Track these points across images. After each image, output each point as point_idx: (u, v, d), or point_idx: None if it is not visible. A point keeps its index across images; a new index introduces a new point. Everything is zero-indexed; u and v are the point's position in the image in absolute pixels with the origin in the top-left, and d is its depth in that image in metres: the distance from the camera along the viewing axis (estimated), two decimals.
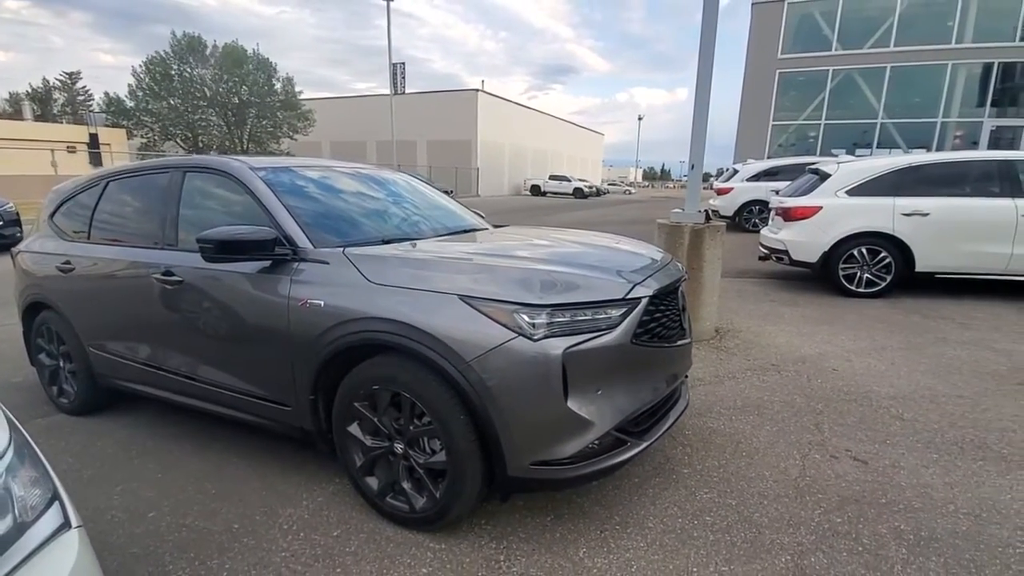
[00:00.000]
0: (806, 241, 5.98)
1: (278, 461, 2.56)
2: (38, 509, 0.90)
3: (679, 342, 2.27)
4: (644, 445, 1.99)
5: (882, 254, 5.70)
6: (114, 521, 2.14)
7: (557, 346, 1.73)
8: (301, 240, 2.24)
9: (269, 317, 2.19)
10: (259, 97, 32.74)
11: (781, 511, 2.14)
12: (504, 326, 1.75)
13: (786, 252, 6.17)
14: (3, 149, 18.38)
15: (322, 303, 2.05)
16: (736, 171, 12.23)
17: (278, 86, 33.48)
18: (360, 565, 1.86)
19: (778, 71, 23.11)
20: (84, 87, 46.43)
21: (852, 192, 5.85)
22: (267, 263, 2.23)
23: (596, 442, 1.84)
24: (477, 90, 36.43)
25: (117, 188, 3.07)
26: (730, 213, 11.74)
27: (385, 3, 25.93)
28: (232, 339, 2.38)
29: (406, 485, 2.02)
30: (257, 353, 2.28)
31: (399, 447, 2.01)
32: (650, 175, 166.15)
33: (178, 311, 2.56)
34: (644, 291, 1.98)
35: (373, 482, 2.10)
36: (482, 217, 3.69)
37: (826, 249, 5.83)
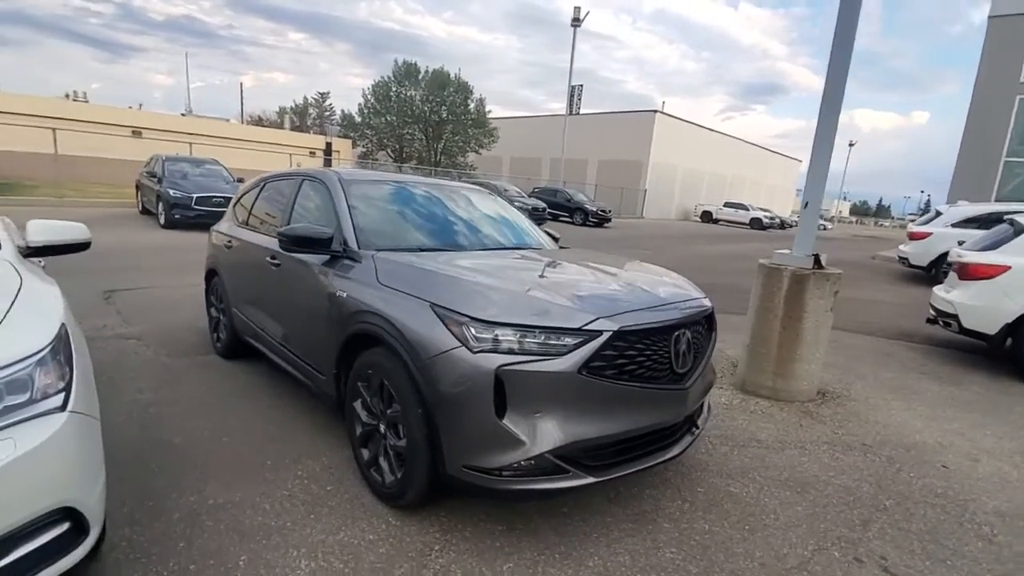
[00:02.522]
0: (983, 307, 4.77)
1: (329, 424, 3.06)
2: (47, 393, 1.39)
3: (671, 385, 2.17)
4: (590, 480, 1.97)
5: None
6: (199, 435, 2.84)
7: (493, 361, 1.85)
8: (351, 241, 2.71)
9: (320, 300, 2.69)
10: (455, 116, 36.85)
11: None
12: (454, 335, 1.93)
13: (955, 317, 5.00)
14: (264, 151, 23.96)
15: (345, 294, 2.47)
16: (939, 213, 10.05)
17: (472, 106, 37.25)
18: (329, 517, 2.21)
19: (1019, 97, 18.17)
20: (330, 104, 57.66)
21: None
22: (327, 256, 2.75)
23: (529, 462, 1.90)
24: (655, 111, 35.74)
25: (269, 188, 3.97)
26: (923, 263, 9.71)
27: (572, 28, 27.09)
28: (302, 315, 2.95)
29: (383, 462, 2.31)
30: (312, 328, 2.81)
31: (382, 427, 2.31)
32: (860, 210, 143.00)
33: (276, 288, 3.25)
34: (608, 325, 1.97)
35: (364, 453, 2.43)
36: (554, 238, 3.84)
37: (1010, 321, 4.58)
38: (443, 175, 26.90)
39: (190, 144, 16.80)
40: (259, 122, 51.05)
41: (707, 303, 2.56)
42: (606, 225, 23.40)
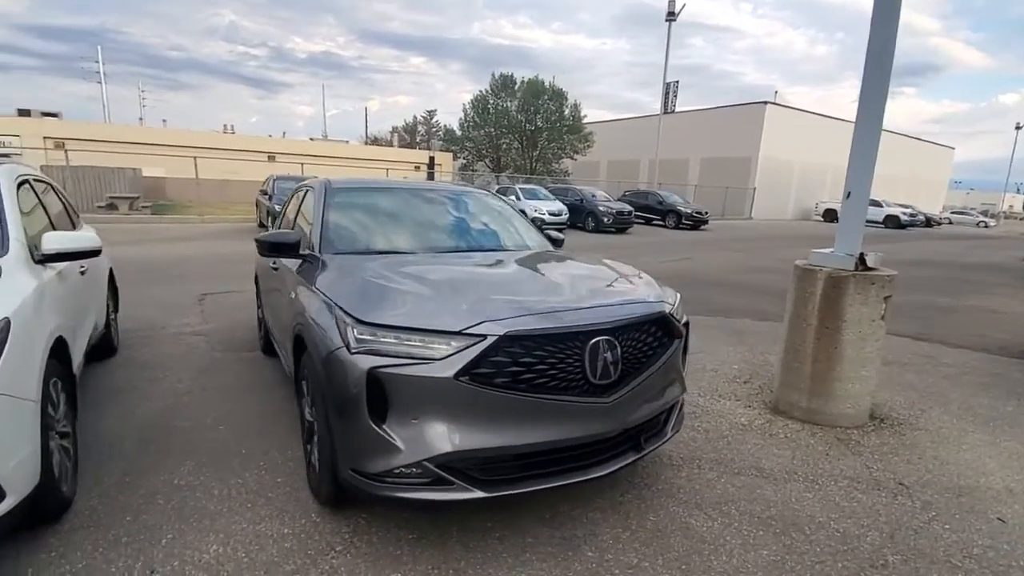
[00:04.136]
0: None
1: None
2: None
3: (588, 399, 1.97)
4: (479, 495, 1.85)
5: None
6: (203, 422, 3.14)
7: (366, 363, 1.81)
8: (316, 245, 2.84)
9: (287, 301, 2.85)
10: (549, 123, 37.08)
11: None
12: (340, 336, 1.93)
13: None
14: (374, 168, 26.14)
15: (295, 296, 2.59)
16: None
17: (566, 111, 37.21)
18: (262, 508, 2.32)
19: None
20: (437, 120, 61.15)
21: None
22: (299, 261, 2.91)
23: (410, 470, 1.83)
24: (766, 102, 32.81)
25: (293, 197, 4.31)
26: None
27: (667, 23, 25.95)
28: (282, 316, 3.15)
29: (314, 459, 2.37)
30: (284, 329, 2.99)
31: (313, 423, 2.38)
32: None
33: (274, 290, 3.51)
34: (493, 329, 1.84)
35: (307, 449, 2.52)
36: (554, 241, 3.70)
37: None
38: (537, 182, 27.14)
39: (302, 164, 18.80)
40: (374, 142, 55.71)
41: (657, 307, 2.28)
42: (702, 228, 21.95)
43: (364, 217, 3.21)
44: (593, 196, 19.51)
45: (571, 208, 18.36)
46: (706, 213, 22.23)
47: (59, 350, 2.41)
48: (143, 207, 18.60)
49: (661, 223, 22.23)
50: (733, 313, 6.65)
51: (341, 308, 2.02)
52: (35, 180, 3.39)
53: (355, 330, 1.89)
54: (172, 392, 3.62)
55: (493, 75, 39.61)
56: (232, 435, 3.00)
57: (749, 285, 8.81)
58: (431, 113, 61.90)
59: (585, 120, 38.05)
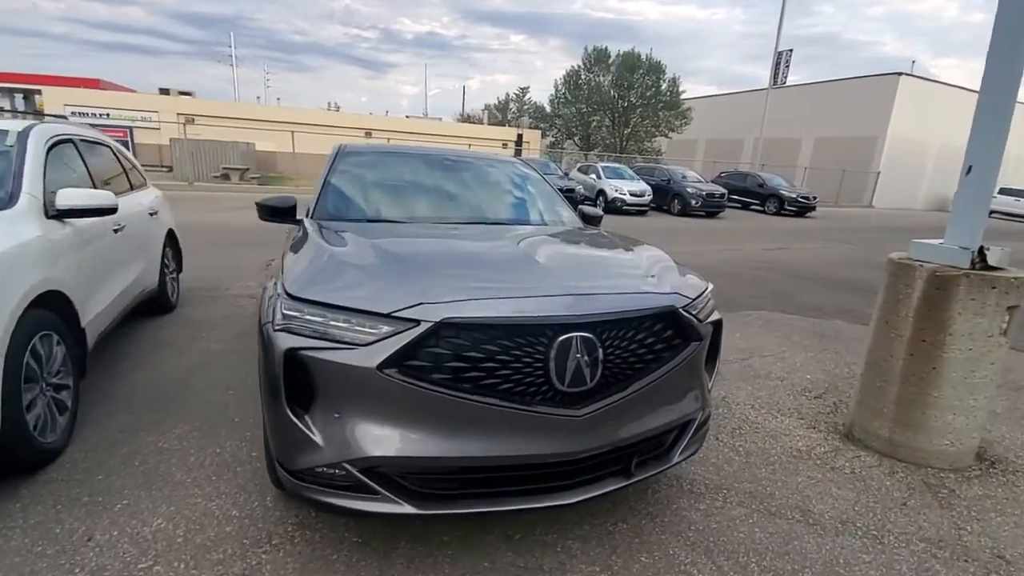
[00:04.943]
0: None
1: None
2: None
3: (552, 409, 1.59)
4: (409, 510, 1.55)
5: None
6: (216, 385, 3.14)
7: (287, 342, 1.56)
8: (311, 210, 2.68)
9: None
10: (644, 99, 35.08)
11: None
12: (273, 308, 1.70)
13: None
14: (463, 144, 26.52)
15: (276, 258, 2.42)
16: None
17: (663, 86, 34.97)
18: (224, 484, 2.21)
19: None
20: (529, 98, 60.34)
21: None
22: (295, 226, 2.76)
23: (331, 471, 1.57)
24: (899, 74, 28.42)
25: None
26: None
27: None
28: None
29: None
30: None
31: None
32: None
33: None
34: (428, 314, 1.50)
35: None
36: (589, 219, 3.28)
37: None
38: (626, 162, 25.89)
39: (387, 139, 19.37)
40: (467, 119, 56.43)
41: (664, 300, 1.81)
42: (808, 215, 19.67)
43: (368, 183, 2.99)
44: (683, 177, 18.12)
45: (656, 189, 17.21)
46: (814, 199, 19.84)
47: (56, 303, 2.45)
48: (252, 178, 20.26)
49: (760, 208, 20.24)
50: (823, 312, 5.73)
51: (281, 277, 1.79)
52: (85, 141, 3.55)
53: (283, 304, 1.65)
54: (205, 352, 3.70)
55: (586, 49, 38.13)
56: (235, 402, 2.96)
57: (850, 282, 7.61)
58: (523, 90, 61.22)
59: (684, 96, 35.53)
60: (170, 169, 19.58)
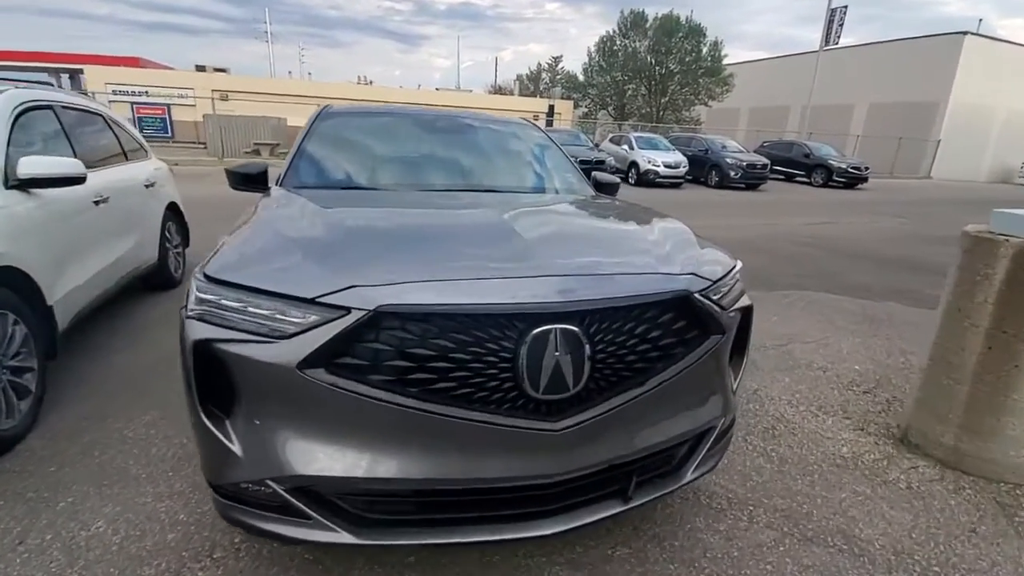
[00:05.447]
0: None
1: None
2: None
3: (520, 421, 1.26)
4: (348, 539, 1.27)
5: None
6: None
7: (198, 332, 1.27)
8: (281, 177, 2.39)
9: None
10: (684, 65, 33.30)
11: None
12: (186, 292, 1.41)
13: None
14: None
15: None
16: None
17: (704, 51, 33.06)
18: (179, 482, 2.01)
19: None
20: (562, 67, 58.52)
21: None
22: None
23: (256, 489, 1.30)
24: (964, 33, 25.84)
25: None
26: None
27: None
28: None
29: None
30: None
31: None
32: None
33: None
34: (358, 301, 1.18)
35: None
36: (603, 186, 2.89)
37: None
38: (663, 132, 24.67)
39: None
40: (499, 91, 55.23)
41: (674, 284, 1.44)
42: (859, 187, 18.34)
43: (347, 147, 2.67)
44: (722, 147, 17.06)
45: (693, 160, 16.28)
46: (865, 169, 18.43)
47: (13, 280, 2.26)
48: (281, 153, 20.39)
49: (806, 179, 18.99)
50: (873, 294, 5.14)
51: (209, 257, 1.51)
52: (70, 109, 3.35)
53: (197, 286, 1.36)
54: None
55: (622, 12, 36.26)
56: None
57: (904, 260, 6.89)
58: (556, 60, 59.51)
59: (726, 62, 33.53)
60: (205, 145, 19.87)
